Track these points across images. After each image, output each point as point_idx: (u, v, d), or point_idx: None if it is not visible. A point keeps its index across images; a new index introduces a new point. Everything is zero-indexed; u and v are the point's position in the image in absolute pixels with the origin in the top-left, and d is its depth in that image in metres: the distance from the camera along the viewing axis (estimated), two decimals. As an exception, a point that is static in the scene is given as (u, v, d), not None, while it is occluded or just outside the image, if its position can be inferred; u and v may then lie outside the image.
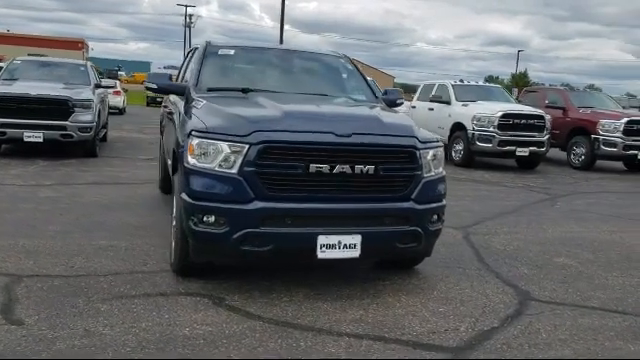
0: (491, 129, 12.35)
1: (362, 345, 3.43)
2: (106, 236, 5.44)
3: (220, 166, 3.84)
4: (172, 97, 5.89)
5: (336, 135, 3.88)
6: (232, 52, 5.47)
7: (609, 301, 4.44)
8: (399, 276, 4.72)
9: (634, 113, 15.27)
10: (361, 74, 5.80)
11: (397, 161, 4.04)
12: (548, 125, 12.83)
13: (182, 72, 6.57)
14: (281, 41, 38.30)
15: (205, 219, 3.86)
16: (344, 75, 5.76)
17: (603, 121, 13.40)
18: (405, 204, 4.07)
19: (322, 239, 3.86)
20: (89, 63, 12.86)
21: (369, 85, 5.65)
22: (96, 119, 10.85)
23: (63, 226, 5.76)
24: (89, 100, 10.72)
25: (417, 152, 4.09)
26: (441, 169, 4.38)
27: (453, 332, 3.69)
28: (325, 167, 3.81)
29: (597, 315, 4.13)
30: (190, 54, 6.16)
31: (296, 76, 5.66)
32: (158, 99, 43.07)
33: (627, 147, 13.17)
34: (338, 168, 3.83)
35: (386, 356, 3.31)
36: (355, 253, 3.95)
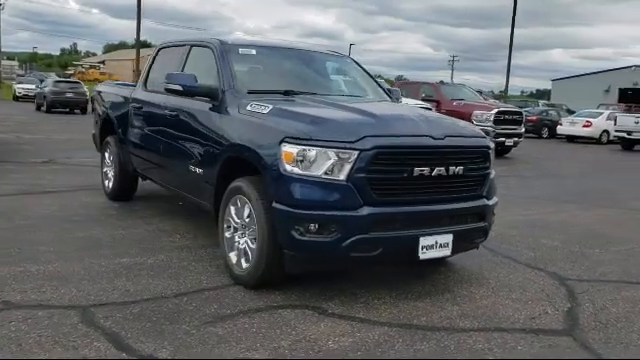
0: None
1: (494, 337, 3.61)
2: (116, 253, 4.94)
3: (327, 173, 3.74)
4: (168, 99, 5.40)
5: (433, 138, 3.99)
6: (254, 52, 5.18)
7: (622, 274, 5.12)
8: (444, 268, 4.95)
9: (501, 104, 17.11)
10: (368, 74, 5.89)
11: (477, 161, 4.25)
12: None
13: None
14: (138, 36, 36.08)
15: (311, 228, 3.75)
16: (358, 75, 5.79)
17: (476, 112, 14.87)
18: (480, 201, 4.32)
19: (423, 240, 3.96)
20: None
21: (379, 85, 5.76)
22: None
23: (54, 245, 5.07)
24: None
25: (489, 151, 4.35)
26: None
27: (546, 316, 4.03)
28: (427, 170, 3.90)
29: (632, 288, 4.75)
30: (184, 52, 5.57)
31: (321, 77, 5.54)
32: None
33: (497, 135, 14.77)
34: (436, 170, 3.95)
35: (526, 347, 3.53)
36: (447, 252, 4.11)
